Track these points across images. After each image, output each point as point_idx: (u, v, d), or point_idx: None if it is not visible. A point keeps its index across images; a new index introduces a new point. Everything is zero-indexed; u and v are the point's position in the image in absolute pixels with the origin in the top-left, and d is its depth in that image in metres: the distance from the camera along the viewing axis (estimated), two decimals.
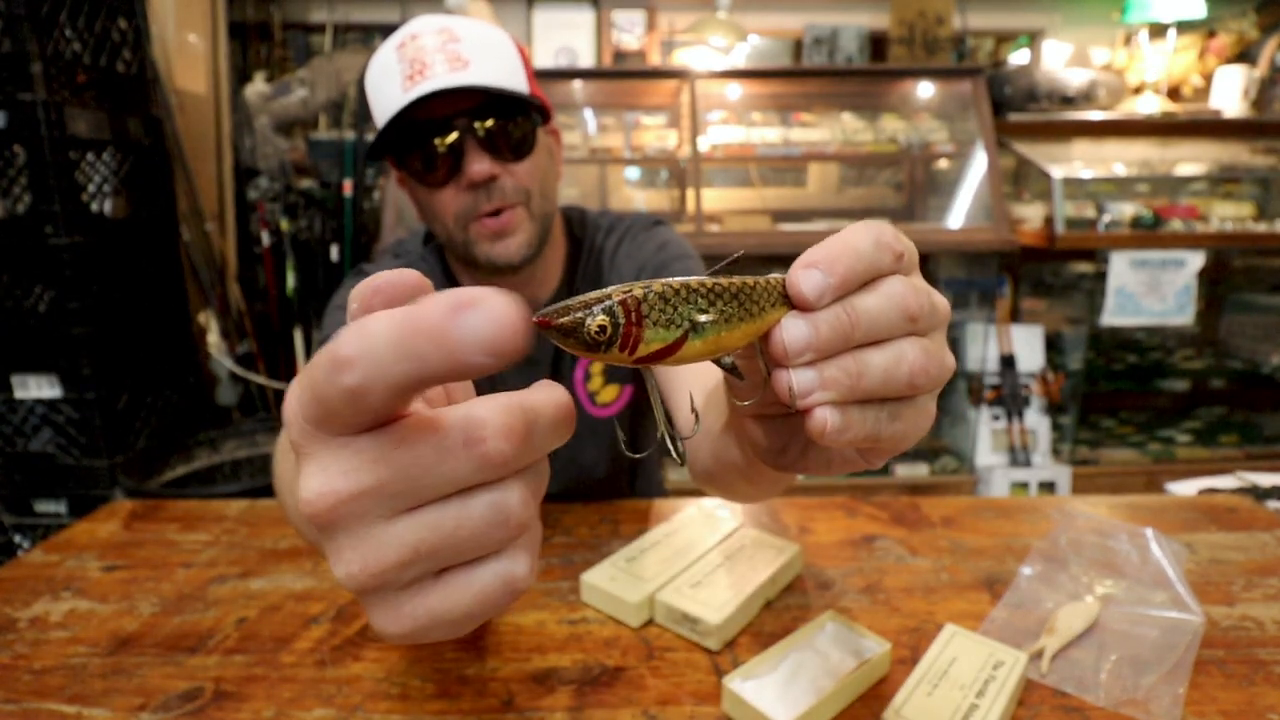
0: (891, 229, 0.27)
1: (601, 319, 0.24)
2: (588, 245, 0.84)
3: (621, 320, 0.24)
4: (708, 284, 0.26)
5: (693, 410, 0.33)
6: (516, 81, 0.69)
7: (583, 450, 0.86)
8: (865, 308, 0.26)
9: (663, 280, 0.25)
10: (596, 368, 0.84)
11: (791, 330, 0.26)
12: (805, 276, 0.26)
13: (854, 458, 0.31)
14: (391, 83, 0.66)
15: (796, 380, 0.26)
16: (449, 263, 0.82)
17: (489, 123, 0.67)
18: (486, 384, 0.82)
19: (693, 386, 0.64)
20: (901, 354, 0.26)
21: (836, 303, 0.26)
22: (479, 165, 0.67)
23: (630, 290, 0.25)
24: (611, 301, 0.24)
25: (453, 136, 0.66)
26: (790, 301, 0.27)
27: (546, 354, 0.82)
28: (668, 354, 0.25)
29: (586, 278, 0.83)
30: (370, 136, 2.50)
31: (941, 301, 0.28)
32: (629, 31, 2.77)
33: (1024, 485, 2.32)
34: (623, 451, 0.89)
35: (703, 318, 0.25)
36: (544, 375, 0.83)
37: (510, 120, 0.68)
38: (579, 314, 0.24)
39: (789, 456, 0.33)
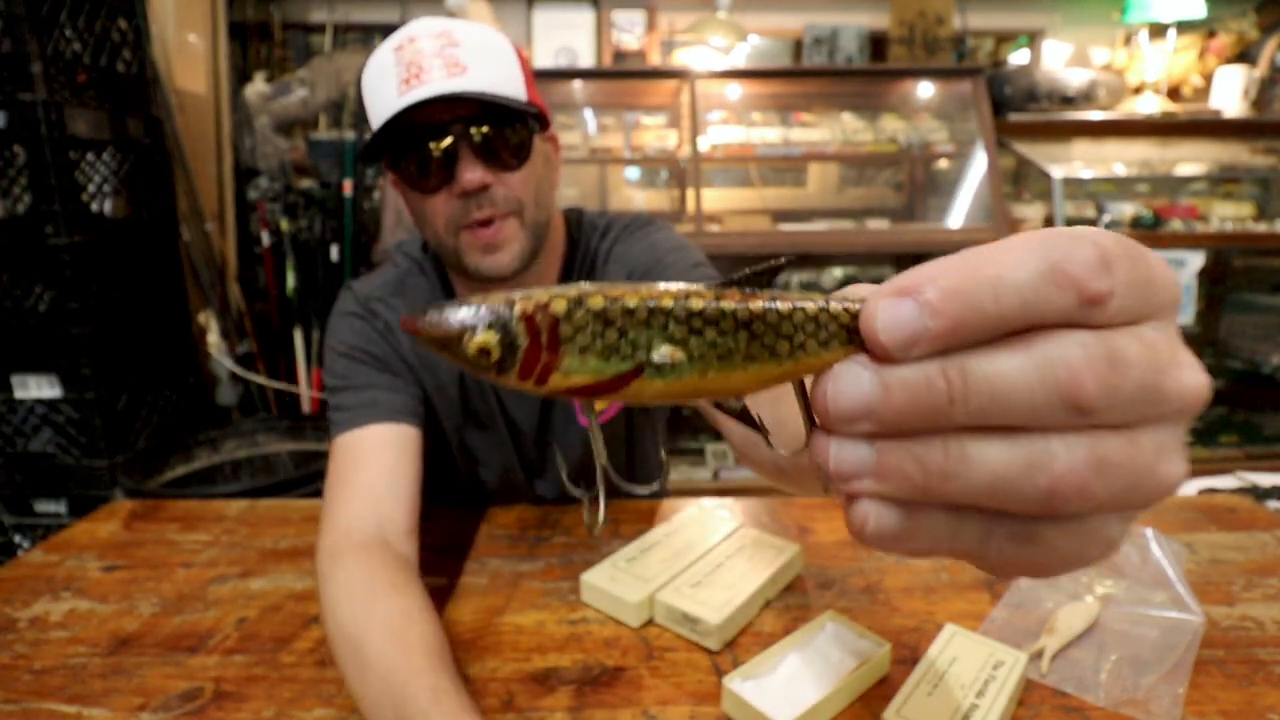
0: (1098, 250, 0.16)
1: (485, 337, 0.18)
2: (583, 247, 0.83)
3: (522, 341, 0.18)
4: (694, 303, 0.18)
5: (662, 459, 0.26)
6: (515, 88, 0.68)
7: (578, 457, 0.86)
8: (987, 375, 0.17)
9: (611, 289, 0.18)
10: None
11: (845, 383, 0.18)
12: (888, 310, 0.17)
13: (976, 561, 0.20)
14: (387, 85, 0.66)
15: (836, 455, 0.18)
16: (445, 268, 0.81)
17: (484, 130, 0.66)
18: (487, 383, 0.82)
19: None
20: (1041, 457, 0.17)
21: (935, 358, 0.17)
22: (471, 174, 0.66)
23: (549, 300, 0.18)
24: (508, 313, 0.18)
25: (447, 143, 0.65)
26: (860, 339, 0.18)
27: None
28: (605, 390, 0.19)
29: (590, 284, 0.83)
30: (369, 137, 2.49)
31: (1188, 383, 0.17)
32: (629, 31, 2.77)
33: None
34: (605, 459, 0.89)
35: (664, 352, 0.18)
36: None
37: (506, 128, 0.67)
38: (454, 323, 0.18)
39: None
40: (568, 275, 0.82)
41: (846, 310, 0.18)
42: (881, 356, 0.17)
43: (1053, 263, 0.16)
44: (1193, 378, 0.18)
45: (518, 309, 0.18)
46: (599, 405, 0.19)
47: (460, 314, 0.18)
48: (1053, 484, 0.17)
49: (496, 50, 0.68)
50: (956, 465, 0.17)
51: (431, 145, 0.66)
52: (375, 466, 0.69)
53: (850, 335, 0.18)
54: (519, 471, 0.87)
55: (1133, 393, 0.17)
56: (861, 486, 0.18)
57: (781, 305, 0.18)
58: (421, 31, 0.66)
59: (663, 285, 0.19)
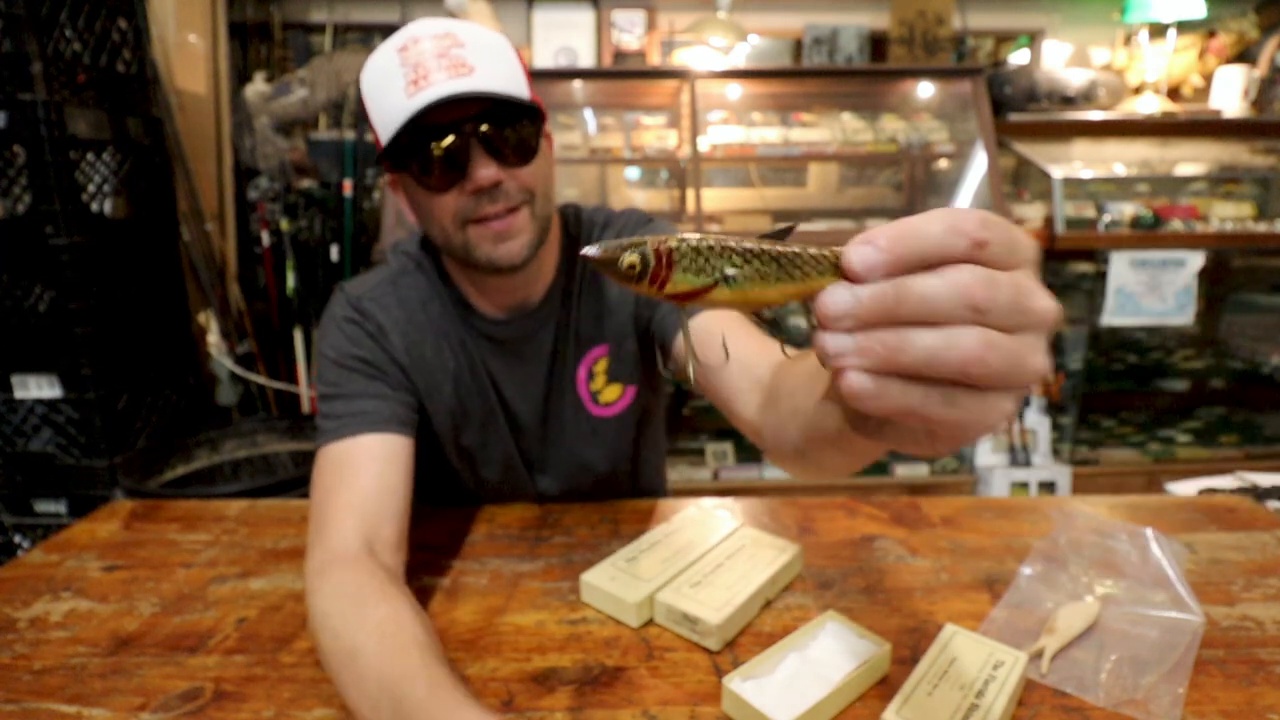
0: (980, 217, 0.27)
1: (632, 258, 0.30)
2: (584, 241, 0.84)
3: (651, 263, 0.29)
4: (748, 246, 0.29)
5: (724, 346, 0.42)
6: (518, 86, 0.69)
7: (583, 450, 0.86)
8: (917, 288, 0.26)
9: (700, 235, 0.30)
10: (599, 368, 0.84)
11: (832, 296, 0.28)
12: (856, 250, 0.28)
13: (922, 438, 0.32)
14: (393, 86, 0.66)
15: (829, 342, 0.28)
16: (444, 265, 0.82)
17: (495, 128, 0.67)
18: (486, 376, 0.82)
19: (744, 347, 0.66)
20: (954, 340, 0.26)
21: (886, 280, 0.27)
22: (485, 171, 0.67)
23: (666, 240, 0.30)
24: (646, 247, 0.30)
25: (459, 142, 0.66)
26: (841, 272, 0.28)
27: (544, 353, 0.82)
28: (695, 296, 0.30)
29: (586, 276, 0.83)
30: (369, 137, 2.49)
31: (1042, 305, 0.28)
32: (629, 31, 2.77)
33: (1024, 485, 2.32)
34: (625, 449, 0.89)
35: (732, 271, 0.29)
36: (541, 373, 0.82)
37: (516, 125, 0.68)
38: (615, 251, 0.30)
39: (869, 425, 0.35)
40: (569, 267, 0.82)
41: (834, 252, 0.29)
42: (854, 279, 0.28)
43: (952, 223, 0.27)
44: (1046, 301, 0.28)
45: (651, 244, 0.29)
46: (688, 306, 0.31)
47: (621, 246, 0.30)
48: (961, 357, 0.26)
49: (499, 49, 0.69)
50: (904, 343, 0.27)
51: (443, 144, 0.66)
52: (363, 480, 0.68)
53: (836, 269, 0.29)
54: (520, 468, 0.87)
55: (1007, 302, 0.26)
56: (847, 361, 0.28)
57: (799, 250, 0.29)
58: (425, 32, 0.67)
59: (755, 241, 0.29)
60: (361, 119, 2.38)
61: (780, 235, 0.30)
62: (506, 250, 0.71)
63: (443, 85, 0.64)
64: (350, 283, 0.82)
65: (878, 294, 0.27)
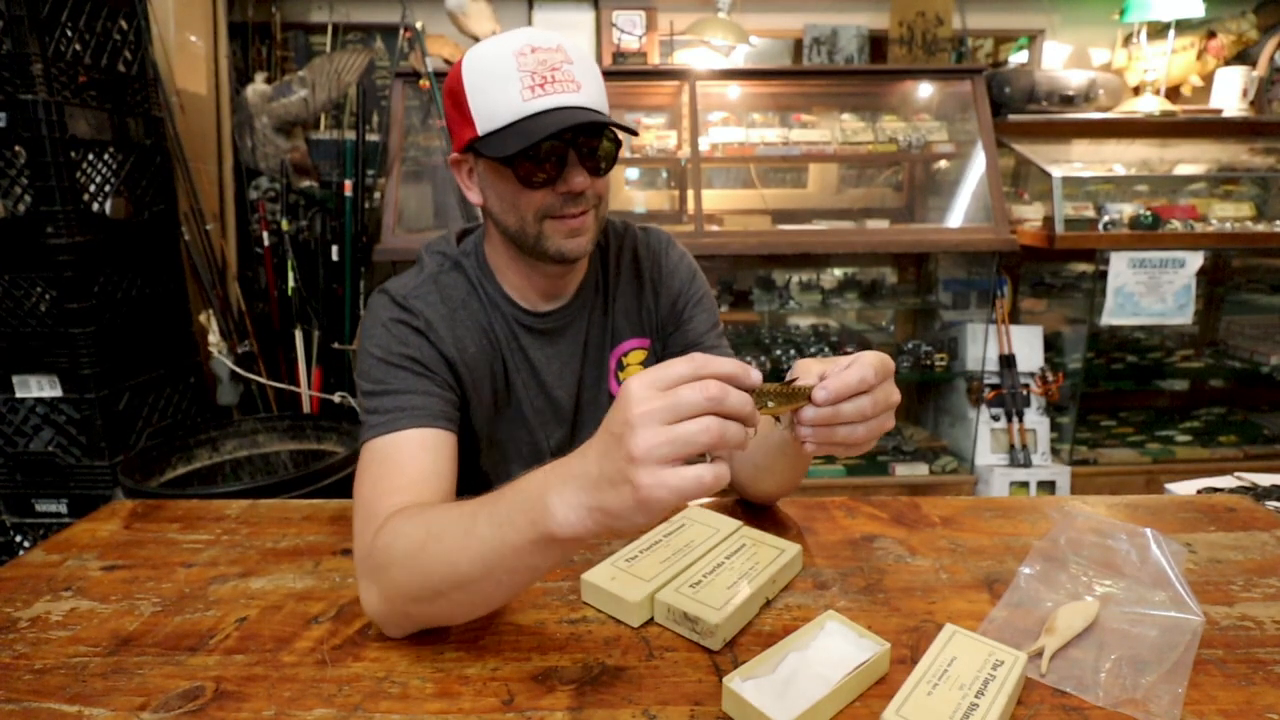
0: (875, 365, 0.56)
1: (759, 404, 0.52)
2: (614, 249, 0.93)
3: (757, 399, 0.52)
4: (776, 388, 0.54)
5: None
6: (605, 105, 0.78)
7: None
8: (845, 408, 0.55)
9: (772, 385, 0.54)
10: (631, 358, 0.94)
11: (805, 412, 0.56)
12: (817, 391, 0.55)
13: (828, 455, 0.63)
14: (508, 87, 0.72)
15: (801, 431, 0.57)
16: (485, 260, 0.87)
17: (595, 143, 0.76)
18: (525, 366, 0.87)
19: None
20: (855, 430, 0.56)
21: (832, 405, 0.55)
22: (580, 178, 0.76)
23: (759, 390, 0.52)
24: (761, 395, 0.53)
25: (564, 149, 0.75)
26: (811, 398, 0.56)
27: (579, 340, 0.89)
28: (764, 410, 0.53)
29: (620, 280, 0.93)
30: (372, 137, 2.50)
31: (895, 397, 0.58)
32: (629, 31, 2.77)
33: (1024, 485, 2.32)
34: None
35: (771, 404, 0.53)
36: (576, 359, 0.89)
37: (608, 142, 0.78)
38: (760, 396, 0.53)
39: (806, 451, 0.60)
40: (604, 267, 0.92)
41: (808, 388, 0.56)
42: (816, 404, 0.55)
43: (861, 375, 0.55)
44: (896, 394, 0.59)
45: (765, 388, 0.52)
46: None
47: (759, 390, 0.52)
48: (857, 439, 0.57)
49: (595, 70, 0.78)
50: (834, 433, 0.57)
51: (551, 148, 0.74)
52: (411, 470, 0.71)
53: (809, 398, 0.56)
54: (549, 460, 0.89)
55: (881, 405, 0.57)
56: (809, 438, 0.57)
57: (799, 388, 0.56)
58: (540, 43, 0.74)
59: (771, 385, 0.53)
60: (364, 119, 2.38)
61: (791, 383, 0.56)
62: (576, 244, 0.79)
63: (559, 97, 0.72)
64: (391, 283, 0.85)
65: (826, 412, 0.55)
